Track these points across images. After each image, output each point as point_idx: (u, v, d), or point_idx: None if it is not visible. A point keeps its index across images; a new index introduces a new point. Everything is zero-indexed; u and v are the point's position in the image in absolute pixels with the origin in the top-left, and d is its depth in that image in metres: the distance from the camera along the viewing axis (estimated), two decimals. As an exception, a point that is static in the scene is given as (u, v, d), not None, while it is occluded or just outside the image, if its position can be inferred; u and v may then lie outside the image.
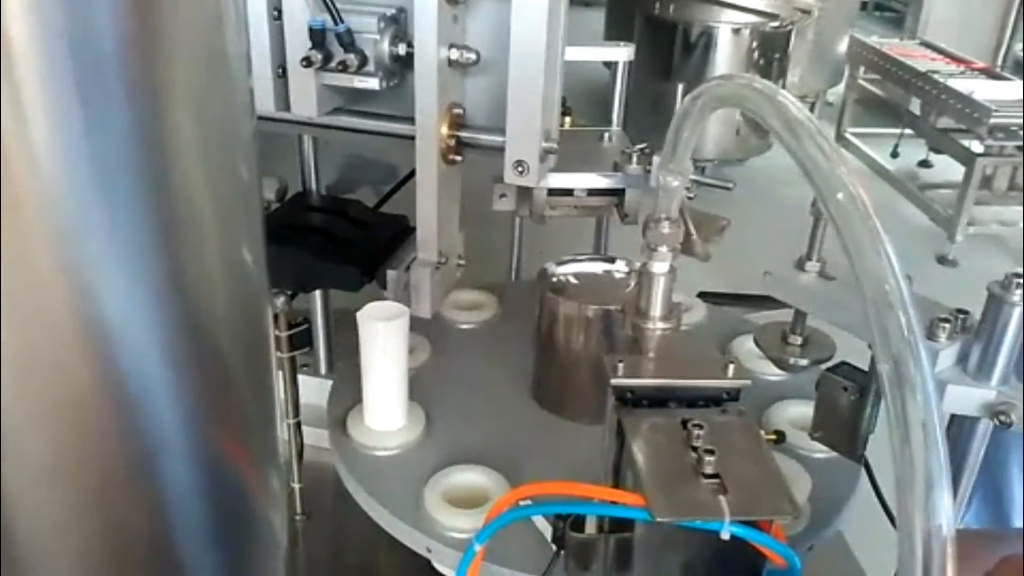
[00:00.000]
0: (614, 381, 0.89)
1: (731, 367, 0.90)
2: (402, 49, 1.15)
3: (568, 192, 1.36)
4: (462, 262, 1.28)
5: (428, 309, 1.20)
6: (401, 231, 1.43)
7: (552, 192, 1.35)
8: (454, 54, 1.10)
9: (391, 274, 1.18)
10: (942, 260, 3.71)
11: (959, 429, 0.93)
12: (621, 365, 0.90)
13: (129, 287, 0.53)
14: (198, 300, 0.59)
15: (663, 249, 0.96)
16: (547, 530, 0.99)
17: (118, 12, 0.47)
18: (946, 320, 0.90)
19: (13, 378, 0.51)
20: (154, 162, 0.52)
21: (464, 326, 1.47)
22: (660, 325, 0.98)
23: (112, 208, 0.51)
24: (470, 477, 1.12)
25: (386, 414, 1.20)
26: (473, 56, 1.10)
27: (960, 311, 0.91)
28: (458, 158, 1.16)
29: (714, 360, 0.94)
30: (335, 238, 1.40)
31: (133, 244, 0.53)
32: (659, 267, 0.97)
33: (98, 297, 0.52)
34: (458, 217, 1.25)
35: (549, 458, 1.17)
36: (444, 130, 1.12)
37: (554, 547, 0.89)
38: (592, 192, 1.36)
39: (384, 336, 1.13)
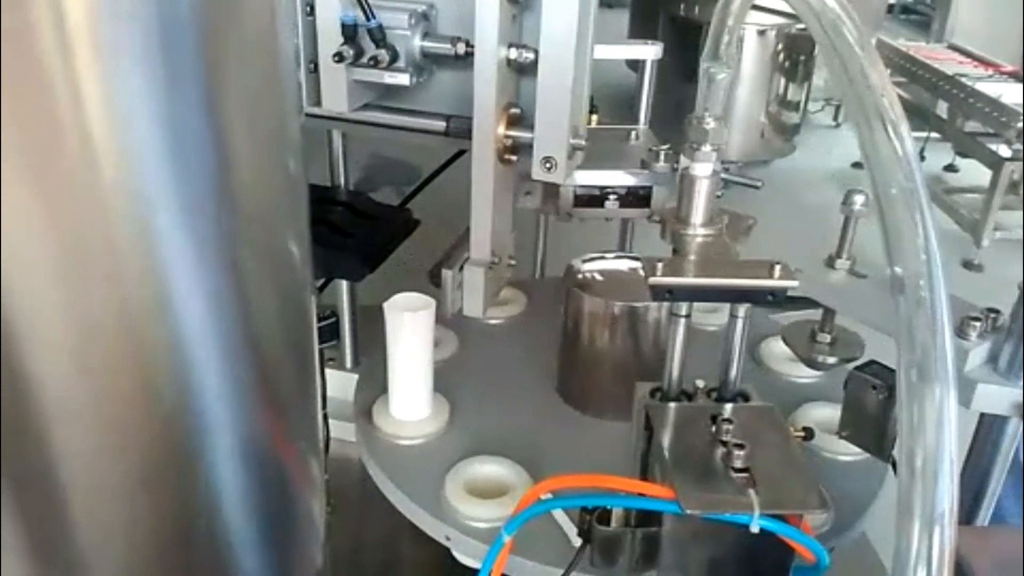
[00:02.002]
0: (652, 280, 0.85)
1: (777, 268, 0.85)
2: (431, 45, 1.16)
3: (600, 203, 1.37)
4: (513, 262, 1.29)
5: (481, 308, 1.20)
6: (404, 223, 1.46)
7: (582, 202, 1.35)
8: (513, 54, 1.09)
9: (446, 273, 1.18)
10: (968, 265, 3.68)
11: (989, 428, 0.93)
12: (660, 265, 0.85)
13: (193, 266, 0.55)
14: (249, 288, 0.60)
15: (706, 148, 0.91)
16: (567, 525, 1.00)
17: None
18: (976, 319, 0.90)
19: (77, 348, 0.52)
20: (219, 147, 0.54)
21: (492, 321, 1.48)
22: (701, 231, 0.93)
23: (183, 183, 0.52)
24: (491, 468, 1.13)
25: (411, 404, 1.21)
26: (531, 56, 1.10)
27: (991, 310, 0.91)
28: (513, 158, 1.16)
29: (759, 262, 0.86)
30: (339, 229, 1.43)
31: (199, 221, 0.54)
32: (701, 169, 0.91)
33: (165, 270, 0.54)
34: (511, 217, 1.26)
35: (571, 453, 1.18)
36: (501, 130, 1.12)
37: (580, 540, 0.89)
38: (624, 204, 1.36)
39: (410, 327, 1.16)
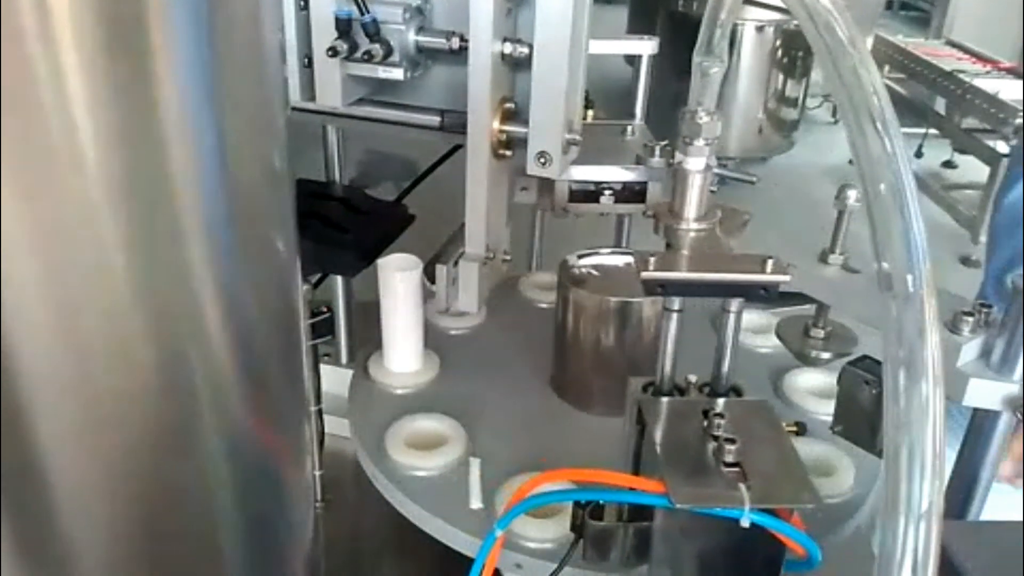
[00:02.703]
0: (644, 275, 0.85)
1: (770, 263, 0.85)
2: (426, 39, 1.16)
3: (595, 199, 1.37)
4: (508, 257, 1.29)
5: (475, 303, 1.21)
6: (399, 219, 1.48)
7: (577, 198, 1.35)
8: (507, 48, 1.09)
9: (440, 268, 1.18)
10: (965, 261, 3.68)
11: (981, 423, 0.93)
12: (653, 259, 0.86)
13: (177, 258, 0.55)
14: (234, 281, 0.60)
15: (699, 143, 0.91)
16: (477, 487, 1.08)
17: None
18: (969, 314, 0.90)
19: (61, 340, 0.52)
20: (216, 140, 0.55)
21: (543, 305, 1.52)
22: (695, 226, 0.94)
23: (168, 176, 0.53)
24: (431, 424, 1.21)
25: (399, 356, 1.31)
26: (526, 50, 1.09)
27: (984, 305, 0.91)
28: (508, 153, 1.16)
29: (751, 256, 0.87)
30: (334, 224, 1.44)
31: (184, 213, 0.55)
32: (694, 163, 0.92)
33: (150, 263, 0.54)
34: (506, 212, 1.26)
35: (565, 447, 1.18)
36: (496, 124, 1.12)
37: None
38: (619, 199, 1.36)
39: (400, 284, 1.26)
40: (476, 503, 1.06)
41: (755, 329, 1.41)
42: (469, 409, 1.23)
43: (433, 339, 1.38)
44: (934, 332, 0.59)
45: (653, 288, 0.84)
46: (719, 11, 0.88)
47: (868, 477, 1.12)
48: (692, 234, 0.94)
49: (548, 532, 1.00)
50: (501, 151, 1.15)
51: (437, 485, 1.11)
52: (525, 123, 1.12)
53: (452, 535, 1.05)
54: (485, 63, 1.07)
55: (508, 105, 1.15)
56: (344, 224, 1.45)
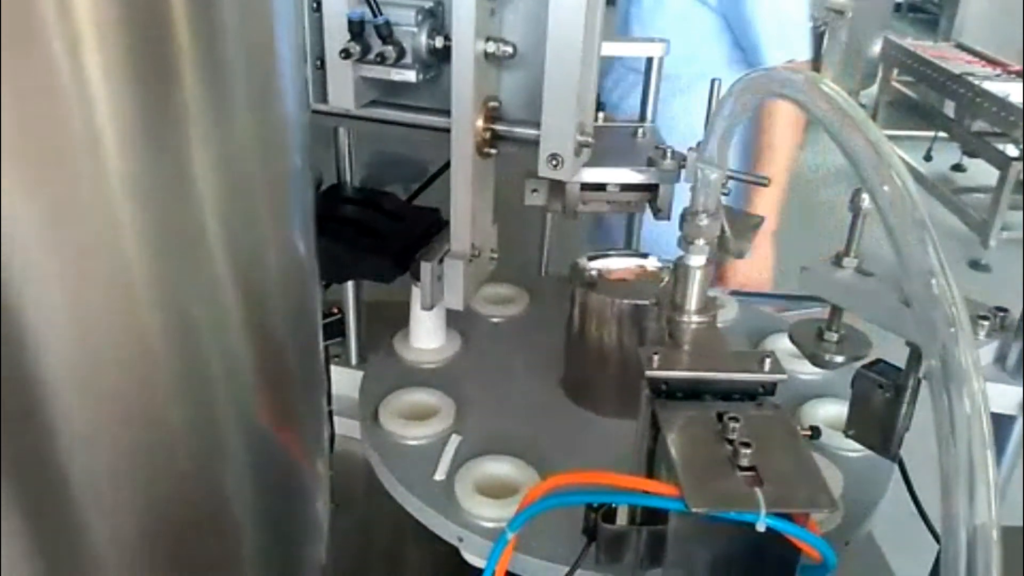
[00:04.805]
0: (649, 373, 0.89)
1: (767, 361, 0.90)
2: (439, 42, 1.16)
3: (601, 187, 1.37)
4: (495, 255, 1.30)
5: (460, 301, 1.21)
6: (435, 224, 1.44)
7: (585, 187, 1.35)
8: (491, 47, 1.10)
9: (425, 266, 1.19)
10: (975, 265, 3.68)
11: (995, 427, 0.92)
12: (656, 357, 0.91)
13: (194, 255, 0.55)
14: (251, 279, 0.60)
15: (700, 242, 0.97)
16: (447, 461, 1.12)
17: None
18: (985, 318, 0.89)
19: (78, 334, 0.52)
20: (225, 139, 0.54)
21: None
22: (695, 319, 0.99)
23: (186, 173, 0.53)
24: (419, 397, 1.26)
25: (417, 333, 1.39)
26: (510, 49, 1.10)
27: (999, 309, 0.91)
28: (492, 151, 1.17)
29: (750, 354, 0.94)
30: (370, 229, 1.42)
31: (201, 211, 0.55)
32: (696, 260, 0.97)
33: (167, 259, 0.54)
34: (491, 210, 1.26)
35: (577, 450, 1.19)
36: (480, 123, 1.13)
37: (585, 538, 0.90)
38: (625, 187, 1.36)
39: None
40: (440, 475, 1.12)
41: None
42: (471, 391, 1.28)
43: (467, 323, 1.42)
44: (969, 334, 0.59)
45: (658, 386, 0.89)
46: (721, 121, 0.90)
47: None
48: (693, 326, 0.99)
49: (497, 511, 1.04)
50: (486, 149, 1.16)
51: (414, 455, 1.17)
52: (510, 122, 1.14)
53: (416, 505, 1.10)
54: (468, 62, 1.08)
55: (492, 104, 1.16)
56: (380, 229, 1.43)
